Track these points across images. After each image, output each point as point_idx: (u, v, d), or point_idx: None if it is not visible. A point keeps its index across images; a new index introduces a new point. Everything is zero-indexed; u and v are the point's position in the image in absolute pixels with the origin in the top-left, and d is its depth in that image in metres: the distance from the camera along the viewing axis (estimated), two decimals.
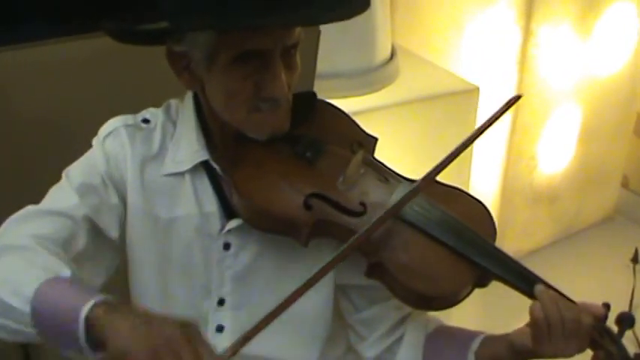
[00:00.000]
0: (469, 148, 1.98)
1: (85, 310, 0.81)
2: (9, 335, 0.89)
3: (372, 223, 0.94)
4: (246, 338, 0.82)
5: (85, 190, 1.01)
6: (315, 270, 0.87)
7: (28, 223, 0.97)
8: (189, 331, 0.79)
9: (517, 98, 1.10)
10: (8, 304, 0.85)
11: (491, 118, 1.02)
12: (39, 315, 0.84)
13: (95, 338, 0.81)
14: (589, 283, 2.27)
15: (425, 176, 0.99)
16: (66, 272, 0.87)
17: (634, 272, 0.95)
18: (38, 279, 0.85)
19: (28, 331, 0.85)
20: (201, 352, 0.78)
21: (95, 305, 0.81)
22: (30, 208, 0.99)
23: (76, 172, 1.03)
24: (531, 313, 0.94)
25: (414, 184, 0.99)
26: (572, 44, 2.37)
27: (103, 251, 1.04)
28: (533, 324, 0.95)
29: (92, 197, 1.01)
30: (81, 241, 0.99)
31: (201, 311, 1.06)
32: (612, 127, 2.71)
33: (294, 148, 1.03)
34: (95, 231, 1.01)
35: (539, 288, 0.96)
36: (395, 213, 0.97)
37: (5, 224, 0.97)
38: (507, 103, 1.06)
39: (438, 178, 1.07)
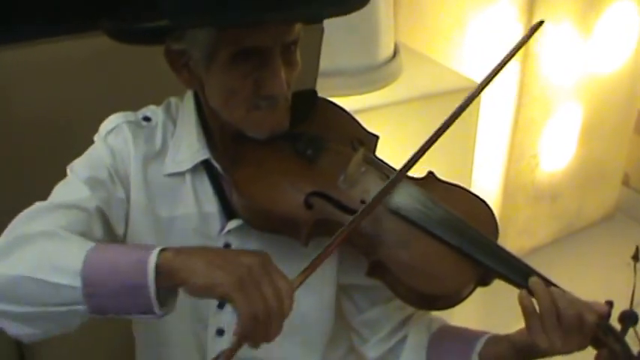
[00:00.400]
0: (471, 145, 2.00)
1: (153, 259, 0.79)
2: (56, 324, 0.86)
3: (382, 188, 0.93)
4: (309, 270, 0.85)
5: (94, 183, 0.98)
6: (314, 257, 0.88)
7: (40, 219, 0.92)
8: (264, 260, 0.81)
9: (540, 24, 1.10)
10: (55, 284, 0.81)
11: (516, 46, 1.04)
12: (93, 283, 0.80)
13: (166, 286, 0.80)
14: (590, 281, 2.28)
15: (435, 132, 1.00)
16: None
17: (635, 270, 0.95)
18: (81, 249, 0.82)
19: (79, 309, 0.82)
20: (276, 280, 0.80)
21: (163, 250, 0.80)
22: (39, 204, 0.95)
23: (82, 166, 1.01)
24: (520, 300, 0.93)
25: (421, 145, 0.98)
26: (573, 42, 2.37)
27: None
28: (523, 312, 0.93)
29: (102, 190, 0.99)
30: (97, 234, 0.96)
31: (201, 314, 1.05)
32: (613, 125, 2.71)
33: (295, 146, 1.02)
34: (107, 224, 0.99)
35: (533, 280, 0.94)
36: (399, 179, 0.97)
37: (15, 221, 0.92)
38: (531, 29, 1.07)
39: (440, 176, 1.08)
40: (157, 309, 0.81)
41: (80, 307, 0.82)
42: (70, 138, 1.13)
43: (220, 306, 1.05)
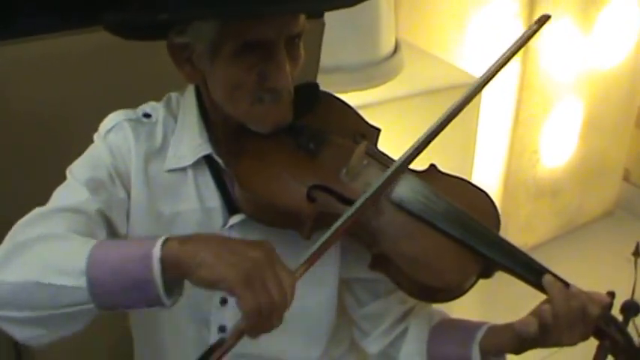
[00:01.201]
0: (472, 141, 2.00)
1: (157, 250, 0.79)
2: (66, 325, 0.85)
3: (384, 177, 0.93)
4: (310, 261, 0.84)
5: (93, 184, 0.97)
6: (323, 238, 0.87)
7: (39, 224, 0.90)
8: (269, 254, 0.80)
9: (547, 18, 1.10)
10: (61, 286, 0.80)
11: (518, 41, 1.05)
12: (99, 282, 0.80)
13: (172, 279, 0.79)
14: (591, 276, 2.26)
15: (435, 124, 1.00)
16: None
17: (635, 266, 0.95)
18: (84, 249, 0.82)
19: (88, 308, 0.81)
20: (279, 273, 0.79)
21: (166, 241, 0.80)
22: (38, 209, 0.93)
23: (81, 168, 1.00)
24: (540, 311, 0.94)
25: (421, 136, 0.99)
26: (574, 37, 2.37)
27: None
28: (539, 315, 0.94)
29: (102, 192, 0.98)
30: (99, 237, 0.93)
31: (203, 311, 1.05)
32: (614, 121, 2.71)
33: (297, 139, 1.02)
34: (109, 226, 0.98)
35: (547, 279, 0.95)
36: (404, 168, 0.97)
37: (14, 228, 0.91)
38: (537, 22, 1.08)
39: (441, 168, 1.08)
40: (165, 300, 0.81)
41: (89, 306, 0.81)
42: (68, 135, 1.12)
43: (223, 303, 1.04)
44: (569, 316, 0.93)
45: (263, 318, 0.79)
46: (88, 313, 0.83)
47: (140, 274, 0.79)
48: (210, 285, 0.79)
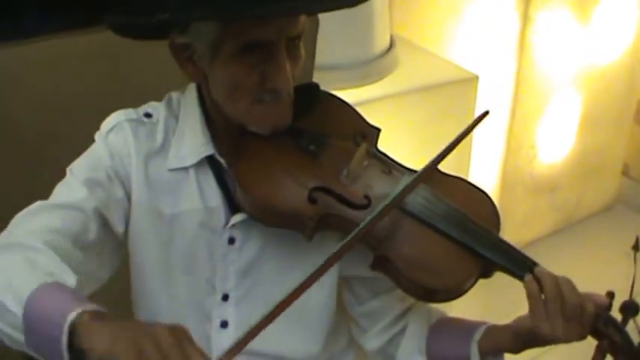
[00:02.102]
0: (468, 138, 1.99)
1: (72, 315, 0.77)
2: (7, 340, 0.85)
3: (376, 212, 0.93)
4: (245, 341, 0.77)
5: (92, 184, 0.99)
6: (319, 263, 0.86)
7: (37, 218, 0.95)
8: (177, 332, 0.74)
9: (485, 114, 1.12)
10: (2, 304, 0.82)
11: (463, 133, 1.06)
12: (28, 319, 0.80)
13: (78, 348, 0.77)
14: (590, 271, 2.27)
15: (425, 167, 1.00)
16: (71, 280, 0.84)
17: (634, 260, 0.95)
18: (37, 281, 0.82)
19: (18, 337, 0.81)
20: (189, 353, 0.73)
21: (84, 312, 0.77)
22: (39, 203, 0.98)
23: (80, 167, 1.02)
24: (526, 284, 0.95)
25: (416, 174, 0.99)
26: (571, 31, 2.36)
27: (111, 245, 1.03)
28: (528, 296, 0.94)
29: (99, 191, 1.00)
30: (91, 235, 0.97)
31: (204, 307, 1.06)
32: (612, 115, 2.70)
33: (298, 141, 1.03)
34: (104, 224, 1.00)
35: (538, 269, 0.96)
36: (398, 203, 0.97)
37: (14, 220, 0.95)
38: (477, 119, 1.10)
39: (439, 166, 1.06)
40: None
41: (19, 335, 0.81)
42: (71, 134, 1.13)
43: (224, 299, 1.06)
44: (565, 305, 0.92)
45: None
46: (19, 344, 0.82)
47: (53, 329, 0.77)
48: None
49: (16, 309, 0.80)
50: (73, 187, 0.99)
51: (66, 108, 1.28)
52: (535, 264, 0.97)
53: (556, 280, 0.94)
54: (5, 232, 0.94)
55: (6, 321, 0.82)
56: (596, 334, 0.97)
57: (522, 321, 0.98)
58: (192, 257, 1.05)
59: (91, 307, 0.78)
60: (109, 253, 1.03)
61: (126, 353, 0.72)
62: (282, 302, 0.81)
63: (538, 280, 0.94)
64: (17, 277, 0.84)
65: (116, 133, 1.03)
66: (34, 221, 0.94)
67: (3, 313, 0.82)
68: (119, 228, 1.03)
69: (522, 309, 0.97)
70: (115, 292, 1.05)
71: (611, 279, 1.00)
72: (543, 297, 0.94)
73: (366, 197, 0.99)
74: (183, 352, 0.72)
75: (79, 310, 0.77)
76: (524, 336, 0.98)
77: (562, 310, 0.93)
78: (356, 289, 1.10)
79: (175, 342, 0.73)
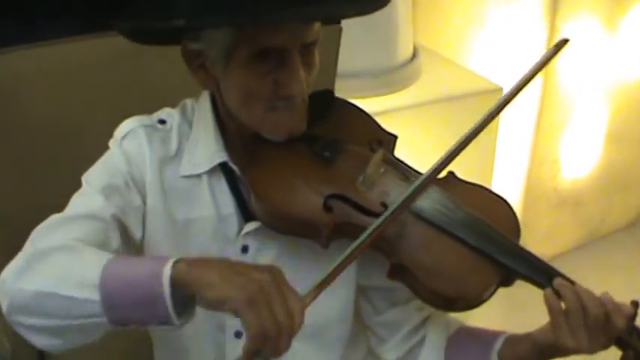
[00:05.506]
0: (491, 150, 1.97)
1: (167, 271, 0.80)
2: (81, 336, 0.87)
3: (414, 186, 0.93)
4: (323, 285, 0.84)
5: (109, 191, 0.99)
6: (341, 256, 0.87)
7: (57, 231, 0.93)
8: (276, 277, 0.80)
9: (565, 42, 1.09)
10: (75, 298, 0.82)
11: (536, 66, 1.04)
12: (111, 297, 0.81)
13: (181, 298, 0.81)
14: (613, 288, 2.23)
15: (456, 144, 0.98)
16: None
17: None
18: (98, 263, 0.83)
19: (101, 322, 0.83)
20: (287, 297, 0.79)
21: (176, 263, 0.81)
22: (56, 216, 0.96)
23: (96, 175, 1.01)
24: (546, 299, 0.93)
25: (441, 158, 0.97)
26: (598, 42, 2.33)
27: (131, 252, 1.02)
28: (550, 311, 0.93)
29: (117, 198, 0.99)
30: (114, 243, 0.96)
31: (218, 316, 1.04)
32: (639, 130, 2.66)
33: (313, 147, 1.02)
34: (124, 231, 0.99)
35: (557, 280, 0.94)
36: (429, 182, 0.96)
37: (33, 235, 0.93)
38: (556, 46, 1.07)
39: (461, 176, 1.06)
40: (174, 319, 0.82)
41: (101, 319, 0.83)
42: (84, 140, 1.13)
43: None
44: (587, 317, 0.91)
45: (268, 341, 0.79)
46: (101, 326, 0.84)
47: (151, 290, 0.80)
48: (216, 305, 0.80)
49: (92, 296, 0.81)
50: (90, 196, 0.98)
51: (80, 112, 1.27)
52: (555, 271, 0.96)
53: (577, 293, 0.92)
54: (27, 246, 0.92)
55: (85, 313, 0.83)
56: (620, 343, 0.95)
57: (544, 333, 0.96)
58: None
59: (173, 258, 0.82)
60: None
61: (237, 298, 0.78)
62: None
63: (558, 293, 0.93)
64: (73, 270, 0.85)
65: (130, 139, 1.02)
66: (55, 234, 0.92)
67: (77, 306, 0.83)
68: (137, 234, 1.02)
69: (543, 317, 0.95)
70: None
71: (635, 296, 0.98)
72: (564, 308, 0.92)
73: (383, 204, 0.98)
74: (282, 296, 0.79)
75: (169, 264, 0.81)
76: (546, 348, 0.96)
77: (585, 323, 0.91)
78: (374, 299, 1.09)
79: (276, 288, 0.79)
